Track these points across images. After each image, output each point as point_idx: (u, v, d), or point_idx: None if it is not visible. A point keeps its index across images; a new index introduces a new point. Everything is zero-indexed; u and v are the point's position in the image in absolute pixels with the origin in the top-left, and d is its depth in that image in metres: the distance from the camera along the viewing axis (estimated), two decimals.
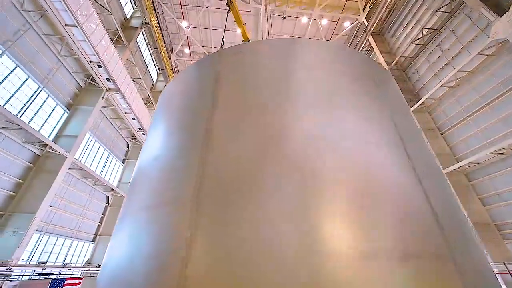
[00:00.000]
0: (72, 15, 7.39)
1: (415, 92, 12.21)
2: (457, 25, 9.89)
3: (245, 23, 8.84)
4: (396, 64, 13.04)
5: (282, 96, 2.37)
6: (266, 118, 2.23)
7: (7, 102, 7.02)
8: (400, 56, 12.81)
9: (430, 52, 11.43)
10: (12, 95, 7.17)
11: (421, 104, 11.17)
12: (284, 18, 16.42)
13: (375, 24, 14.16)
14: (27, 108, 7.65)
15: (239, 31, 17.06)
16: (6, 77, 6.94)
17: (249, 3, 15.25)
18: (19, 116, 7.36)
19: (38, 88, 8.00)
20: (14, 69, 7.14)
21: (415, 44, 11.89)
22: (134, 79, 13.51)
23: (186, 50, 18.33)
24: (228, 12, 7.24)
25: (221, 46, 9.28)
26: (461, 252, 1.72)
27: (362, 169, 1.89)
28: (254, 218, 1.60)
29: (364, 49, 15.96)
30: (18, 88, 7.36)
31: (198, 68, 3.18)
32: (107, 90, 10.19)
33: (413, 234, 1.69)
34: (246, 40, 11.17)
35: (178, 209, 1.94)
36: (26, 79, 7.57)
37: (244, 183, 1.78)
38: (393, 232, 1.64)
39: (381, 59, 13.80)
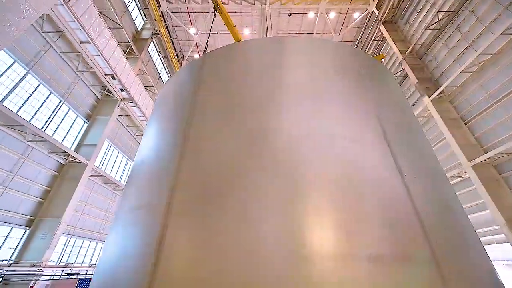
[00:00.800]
0: (86, 32, 7.93)
1: (433, 80, 11.41)
2: (477, 5, 9.09)
3: (235, 25, 8.84)
4: (411, 52, 12.29)
5: (261, 97, 2.34)
6: (245, 120, 2.22)
7: (33, 117, 7.71)
8: (415, 44, 12.04)
9: (449, 36, 10.62)
10: (37, 111, 7.86)
11: (440, 92, 10.40)
12: (290, 15, 16.23)
13: (386, 12, 13.52)
14: (50, 121, 8.34)
15: (246, 32, 17.21)
16: (31, 94, 7.63)
17: (254, 4, 15.28)
18: (44, 129, 8.05)
19: (60, 102, 8.69)
20: (38, 86, 7.83)
21: (431, 29, 11.12)
22: (147, 88, 14.14)
23: (196, 56, 18.83)
24: (214, 16, 7.27)
25: (205, 51, 9.29)
26: (447, 256, 1.59)
27: (344, 170, 1.82)
28: (226, 221, 1.59)
29: (376, 39, 15.26)
30: (42, 104, 8.06)
31: (184, 71, 3.26)
32: (121, 99, 10.78)
33: (394, 237, 1.60)
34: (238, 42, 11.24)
35: (152, 212, 1.99)
36: (49, 95, 8.25)
37: (218, 187, 1.77)
38: (373, 236, 1.56)
39: (394, 48, 13.12)
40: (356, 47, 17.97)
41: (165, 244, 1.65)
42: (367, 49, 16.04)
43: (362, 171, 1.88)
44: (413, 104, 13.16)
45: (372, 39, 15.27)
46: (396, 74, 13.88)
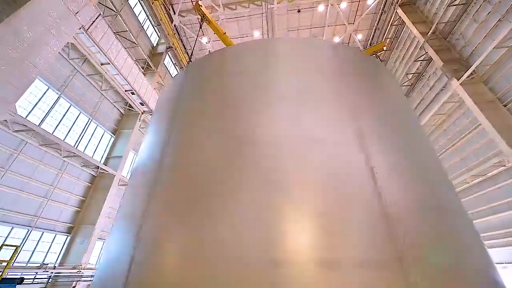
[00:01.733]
0: (105, 54, 8.70)
1: (462, 61, 10.26)
2: None
3: (225, 33, 8.90)
4: (434, 33, 11.19)
5: (239, 105, 2.37)
6: (223, 127, 2.26)
7: (66, 135, 8.67)
8: (438, 23, 10.96)
9: (477, 10, 9.48)
10: (70, 129, 8.82)
11: (472, 73, 9.31)
12: (299, 11, 15.92)
13: None
14: (81, 138, 9.29)
15: (256, 34, 17.27)
16: (64, 115, 8.59)
17: (261, 6, 15.30)
18: (76, 146, 9.00)
19: (88, 120, 9.64)
20: (69, 108, 8.78)
21: (455, 5, 10.04)
22: None
23: None
24: (200, 27, 7.38)
25: (189, 60, 9.37)
26: (414, 261, 1.46)
27: (321, 176, 1.78)
28: (200, 227, 1.66)
29: (394, 23, 14.22)
30: (74, 123, 9.01)
31: (172, 82, 3.42)
32: (142, 113, 11.58)
33: (360, 241, 1.53)
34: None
35: (130, 222, 2.14)
36: (79, 114, 9.20)
37: (196, 194, 1.84)
38: (342, 240, 1.53)
39: (414, 32, 12.06)
40: (373, 35, 16.87)
41: (140, 249, 1.76)
42: (384, 36, 15.00)
43: (339, 176, 1.80)
44: (441, 90, 11.97)
45: (390, 24, 14.25)
46: (419, 59, 12.80)
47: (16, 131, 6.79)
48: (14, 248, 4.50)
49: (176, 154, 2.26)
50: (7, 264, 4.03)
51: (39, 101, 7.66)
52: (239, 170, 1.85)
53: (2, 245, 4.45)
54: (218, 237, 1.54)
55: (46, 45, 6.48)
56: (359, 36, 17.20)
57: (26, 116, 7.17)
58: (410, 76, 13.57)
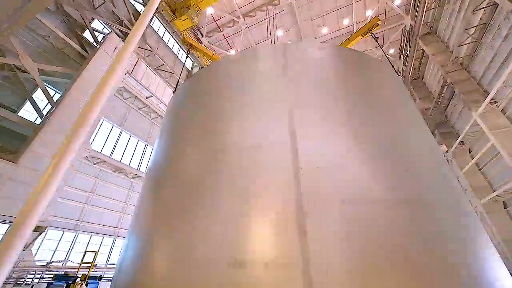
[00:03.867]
0: (147, 89, 10.37)
1: (482, 90, 8.64)
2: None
3: (213, 54, 9.15)
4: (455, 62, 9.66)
5: (218, 119, 2.67)
6: (202, 138, 2.62)
7: (130, 161, 10.70)
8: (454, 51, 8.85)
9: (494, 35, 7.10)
10: (132, 156, 10.86)
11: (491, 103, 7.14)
12: None
13: (421, 25, 12.06)
14: (142, 161, 11.27)
15: (279, 33, 17.13)
16: (126, 145, 10.64)
17: (279, 4, 15.14)
18: (138, 168, 10.97)
19: (145, 145, 11.61)
20: (129, 138, 10.82)
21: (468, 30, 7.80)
22: None
23: None
24: (187, 57, 7.80)
25: (175, 89, 9.87)
26: (320, 264, 1.45)
27: (279, 178, 1.95)
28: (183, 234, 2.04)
29: (419, 49, 12.05)
30: (135, 149, 11.04)
31: (173, 98, 3.92)
32: None
33: (276, 243, 1.64)
34: None
35: (131, 226, 2.69)
36: (137, 142, 11.22)
37: (182, 202, 2.24)
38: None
39: (436, 63, 11.09)
40: (405, 59, 15.28)
41: (127, 251, 2.25)
42: (412, 64, 13.98)
43: (293, 181, 1.90)
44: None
45: (415, 52, 13.21)
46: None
47: (95, 163, 8.84)
48: (94, 253, 6.04)
49: (164, 165, 2.71)
50: (91, 265, 5.46)
51: (107, 137, 9.77)
52: (213, 178, 2.12)
53: (85, 251, 6.07)
54: (192, 239, 1.84)
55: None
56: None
57: (101, 151, 9.26)
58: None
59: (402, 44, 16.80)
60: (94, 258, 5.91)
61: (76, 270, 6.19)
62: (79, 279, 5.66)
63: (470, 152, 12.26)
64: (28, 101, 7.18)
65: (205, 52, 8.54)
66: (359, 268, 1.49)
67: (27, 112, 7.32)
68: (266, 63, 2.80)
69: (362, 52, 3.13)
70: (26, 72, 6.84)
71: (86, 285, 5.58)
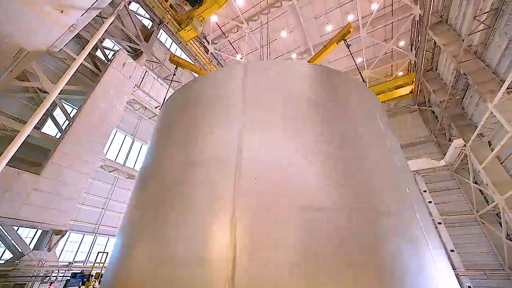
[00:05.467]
0: (155, 100, 11.01)
1: (498, 80, 8.02)
2: None
3: (200, 68, 9.43)
4: (467, 51, 9.20)
5: (188, 135, 2.99)
6: (177, 149, 2.94)
7: None
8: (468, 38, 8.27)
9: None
10: None
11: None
12: None
13: (430, 15, 11.67)
14: None
15: (283, 34, 17.18)
16: (139, 153, 11.36)
17: (281, 6, 15.23)
18: None
19: None
20: (141, 146, 11.54)
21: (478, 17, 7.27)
22: None
23: None
24: (174, 74, 8.16)
25: (161, 106, 10.30)
26: (242, 263, 1.68)
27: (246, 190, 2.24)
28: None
29: (430, 40, 11.46)
30: None
31: (162, 108, 4.26)
32: None
33: (208, 245, 1.89)
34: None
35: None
36: None
37: (157, 207, 2.57)
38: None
39: (447, 54, 10.42)
40: (417, 49, 14.73)
41: (113, 249, 2.60)
42: (423, 56, 13.77)
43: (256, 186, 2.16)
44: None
45: (426, 43, 12.73)
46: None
47: (110, 171, 9.59)
48: (107, 254, 6.63)
49: (146, 171, 3.06)
50: (102, 266, 6.04)
51: (121, 147, 10.54)
52: (185, 186, 2.44)
53: (98, 252, 6.71)
54: (165, 239, 2.17)
55: (113, 108, 8.98)
56: None
57: (115, 160, 10.02)
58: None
59: (412, 35, 16.09)
60: (106, 258, 6.52)
61: (91, 269, 6.84)
62: (93, 277, 6.30)
63: (490, 145, 11.48)
64: (50, 119, 8.03)
65: (192, 68, 9.05)
66: (272, 269, 1.69)
67: (49, 128, 8.18)
68: (228, 85, 3.03)
69: (324, 67, 3.23)
70: (47, 93, 7.66)
71: (99, 282, 6.18)
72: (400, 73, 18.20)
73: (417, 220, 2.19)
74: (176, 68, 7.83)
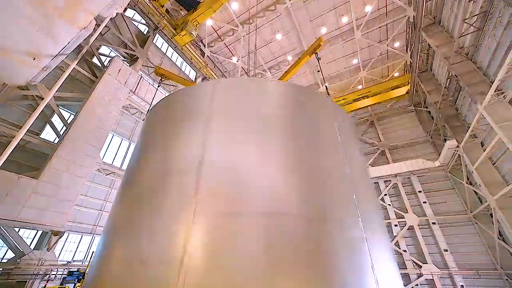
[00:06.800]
0: (150, 105, 11.31)
1: (489, 82, 8.45)
2: None
3: (185, 80, 9.70)
4: (459, 53, 9.50)
5: (166, 143, 3.26)
6: (154, 156, 3.21)
7: None
8: (459, 40, 8.26)
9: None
10: None
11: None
12: None
13: (423, 17, 12.52)
14: None
15: (278, 37, 17.34)
16: None
17: (275, 9, 15.41)
18: None
19: None
20: None
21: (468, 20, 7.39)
22: None
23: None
24: (159, 86, 8.47)
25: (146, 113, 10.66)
26: (190, 263, 1.95)
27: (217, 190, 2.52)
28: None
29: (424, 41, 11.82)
30: None
31: (146, 117, 4.54)
32: None
33: (166, 246, 2.15)
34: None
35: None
36: None
37: (133, 207, 2.85)
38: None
39: (439, 55, 10.82)
40: (412, 51, 14.80)
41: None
42: (418, 57, 14.09)
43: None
44: None
45: (420, 44, 12.92)
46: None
47: (107, 174, 9.95)
48: None
49: (128, 177, 3.35)
50: None
51: (118, 150, 10.90)
52: (157, 193, 2.72)
53: (92, 252, 7.03)
54: (135, 240, 2.46)
55: (109, 113, 9.31)
56: None
57: (112, 163, 10.38)
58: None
59: (407, 36, 16.13)
60: None
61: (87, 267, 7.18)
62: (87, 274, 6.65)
63: (482, 146, 11.54)
64: (48, 124, 8.40)
65: (176, 79, 9.40)
66: (218, 264, 1.96)
67: (48, 134, 8.55)
68: (197, 102, 3.30)
69: (287, 83, 3.46)
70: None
71: None
72: (396, 74, 18.23)
73: (358, 224, 2.42)
74: (161, 80, 8.13)
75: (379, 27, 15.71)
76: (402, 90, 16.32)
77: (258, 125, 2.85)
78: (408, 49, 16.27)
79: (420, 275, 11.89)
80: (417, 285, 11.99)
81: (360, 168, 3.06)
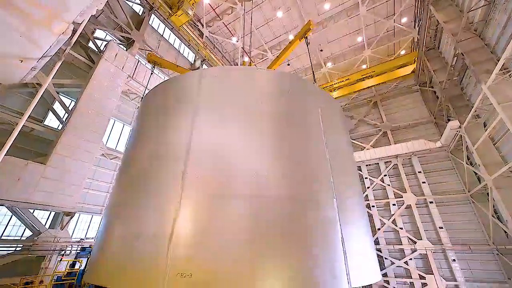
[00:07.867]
0: (148, 89, 11.33)
1: (496, 59, 7.67)
2: None
3: (178, 66, 9.44)
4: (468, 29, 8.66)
5: (158, 133, 3.45)
6: (148, 144, 3.43)
7: None
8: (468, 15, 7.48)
9: None
10: None
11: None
12: None
13: None
14: None
15: (279, 15, 16.56)
16: None
17: None
18: None
19: None
20: None
21: None
22: None
23: (246, 59, 20.27)
24: (152, 73, 8.36)
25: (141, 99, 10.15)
26: (177, 239, 2.20)
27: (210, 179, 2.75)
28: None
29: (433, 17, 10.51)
30: None
31: (141, 103, 4.77)
32: None
33: (158, 223, 2.41)
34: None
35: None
36: None
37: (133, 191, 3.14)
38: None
39: (447, 32, 9.99)
40: (419, 26, 13.76)
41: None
42: (426, 33, 13.20)
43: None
44: None
45: (428, 19, 12.01)
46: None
47: (111, 158, 10.32)
48: None
49: (126, 160, 3.61)
50: None
51: (120, 135, 11.17)
52: (151, 175, 2.97)
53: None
54: (132, 218, 2.74)
55: (109, 99, 9.43)
56: None
57: (115, 148, 10.70)
58: None
59: (416, 10, 15.19)
60: None
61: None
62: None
63: (485, 126, 11.38)
64: (51, 111, 8.61)
65: (169, 66, 9.30)
66: (202, 240, 2.20)
67: (51, 121, 8.79)
68: (185, 91, 3.38)
69: (272, 71, 3.48)
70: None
71: None
72: (403, 52, 17.49)
73: (333, 205, 2.61)
74: (153, 67, 8.07)
75: (386, 1, 14.82)
76: (408, 69, 15.77)
77: (242, 113, 2.97)
78: (416, 24, 15.43)
79: (414, 250, 12.41)
80: (411, 259, 12.56)
81: (342, 153, 3.19)
